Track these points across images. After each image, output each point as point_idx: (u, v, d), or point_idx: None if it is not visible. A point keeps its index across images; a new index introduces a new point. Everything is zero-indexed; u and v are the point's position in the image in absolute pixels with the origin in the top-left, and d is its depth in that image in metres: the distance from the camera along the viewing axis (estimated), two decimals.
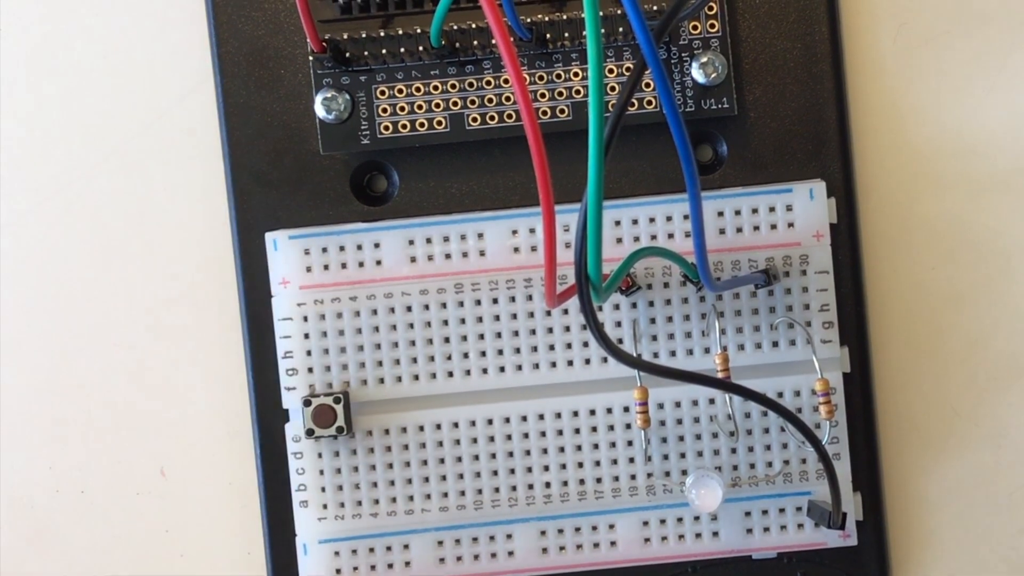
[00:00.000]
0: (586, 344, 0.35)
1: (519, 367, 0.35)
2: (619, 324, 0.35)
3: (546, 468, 0.35)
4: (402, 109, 0.34)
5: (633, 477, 0.35)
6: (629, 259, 0.31)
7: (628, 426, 0.35)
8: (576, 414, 0.35)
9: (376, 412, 0.35)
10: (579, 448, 0.35)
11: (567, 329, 0.35)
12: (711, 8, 0.34)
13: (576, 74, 0.34)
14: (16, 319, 0.37)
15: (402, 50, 0.34)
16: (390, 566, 0.35)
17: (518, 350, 0.35)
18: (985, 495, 0.36)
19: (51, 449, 0.37)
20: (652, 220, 0.34)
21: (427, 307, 0.35)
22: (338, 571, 0.35)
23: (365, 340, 0.35)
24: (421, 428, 0.35)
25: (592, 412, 0.35)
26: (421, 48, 0.34)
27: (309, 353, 0.35)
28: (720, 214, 0.34)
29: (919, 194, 0.36)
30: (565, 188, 0.34)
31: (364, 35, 0.34)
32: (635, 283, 0.34)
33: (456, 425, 0.35)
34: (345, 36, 0.34)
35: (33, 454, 0.37)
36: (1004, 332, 0.36)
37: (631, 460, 0.35)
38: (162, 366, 0.37)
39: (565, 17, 0.34)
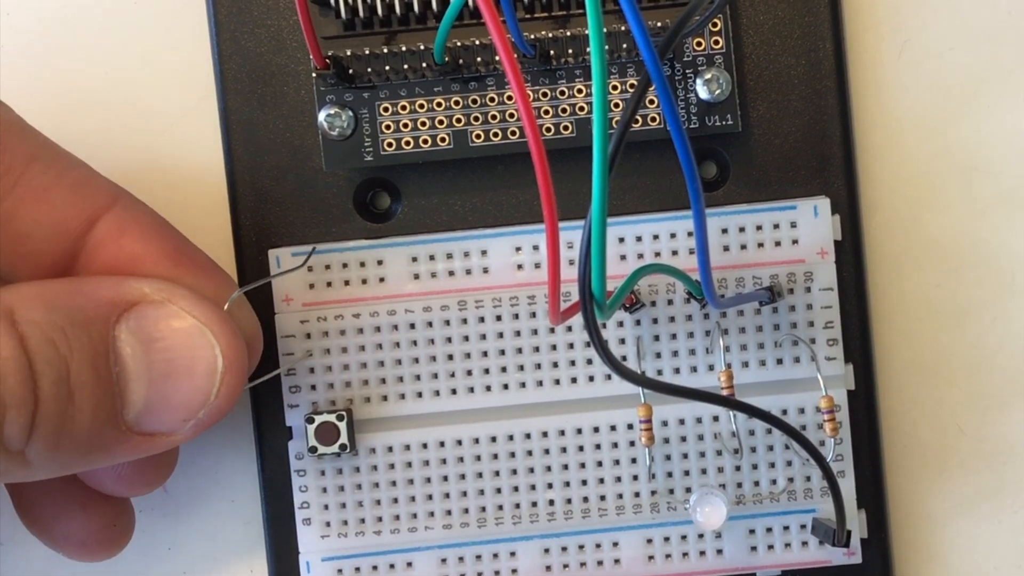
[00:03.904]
0: (590, 361, 0.35)
1: (523, 384, 0.35)
2: (623, 341, 0.35)
3: (550, 486, 0.35)
4: (405, 126, 0.34)
5: (637, 494, 0.35)
6: (633, 276, 0.31)
7: (632, 443, 0.35)
8: (580, 431, 0.35)
9: (379, 430, 0.35)
10: (583, 466, 0.35)
11: (571, 346, 0.35)
12: (715, 25, 0.34)
13: (580, 91, 0.34)
14: None
15: (405, 66, 0.34)
16: None
17: (521, 367, 0.35)
18: (990, 513, 0.36)
19: None
20: (656, 237, 0.34)
21: (430, 324, 0.35)
22: None
23: (368, 357, 0.35)
24: (424, 446, 0.35)
25: (596, 429, 0.35)
26: (424, 64, 0.34)
27: (312, 370, 0.35)
28: (724, 231, 0.34)
29: (924, 211, 0.36)
30: (569, 205, 0.34)
31: (367, 52, 0.34)
32: (639, 300, 0.34)
33: (459, 443, 0.35)
34: (348, 53, 0.34)
35: None
36: (1009, 349, 0.36)
37: (635, 478, 0.35)
38: None
39: (569, 34, 0.34)
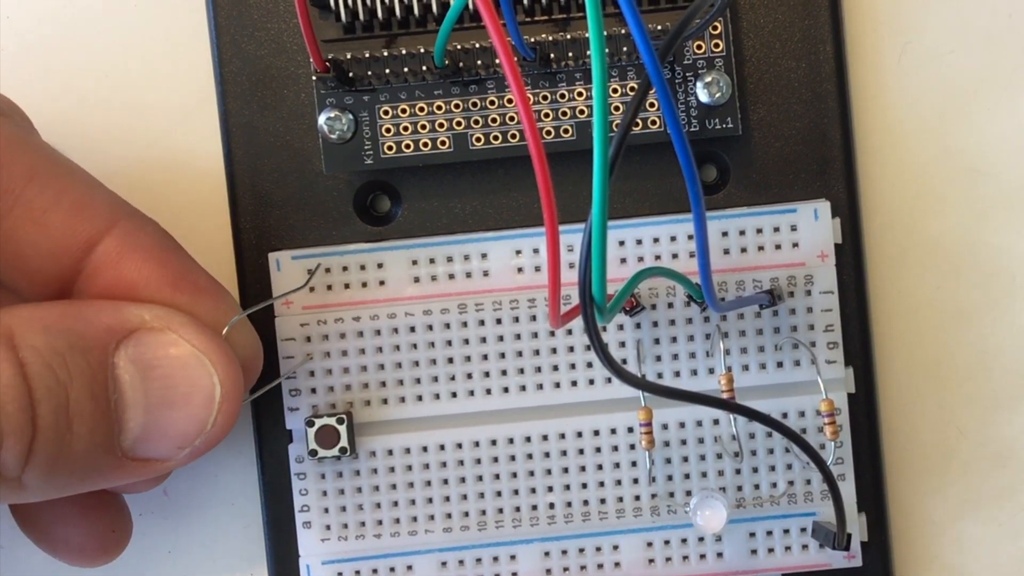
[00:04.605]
0: (590, 365, 0.35)
1: (523, 388, 0.35)
2: (623, 344, 0.35)
3: (550, 489, 0.35)
4: (405, 129, 0.34)
5: (637, 498, 0.35)
6: (633, 279, 0.31)
7: (632, 447, 0.35)
8: (580, 435, 0.35)
9: (379, 433, 0.35)
10: (583, 469, 0.35)
11: (571, 350, 0.35)
12: (715, 28, 0.34)
13: (580, 94, 0.34)
14: None
15: (405, 69, 0.34)
16: None
17: (522, 371, 0.35)
18: (991, 516, 0.36)
19: None
20: (656, 240, 0.34)
21: (430, 327, 0.35)
22: None
23: (368, 361, 0.35)
24: (424, 449, 0.35)
25: (596, 433, 0.35)
26: (424, 68, 0.34)
27: (312, 374, 0.35)
28: (724, 234, 0.34)
29: (924, 213, 0.36)
30: (569, 208, 0.34)
31: (367, 55, 0.34)
32: (639, 303, 0.34)
33: (460, 446, 0.35)
34: (348, 56, 0.34)
35: None
36: (1009, 352, 0.36)
37: (635, 481, 0.35)
38: None
39: (569, 37, 0.34)
